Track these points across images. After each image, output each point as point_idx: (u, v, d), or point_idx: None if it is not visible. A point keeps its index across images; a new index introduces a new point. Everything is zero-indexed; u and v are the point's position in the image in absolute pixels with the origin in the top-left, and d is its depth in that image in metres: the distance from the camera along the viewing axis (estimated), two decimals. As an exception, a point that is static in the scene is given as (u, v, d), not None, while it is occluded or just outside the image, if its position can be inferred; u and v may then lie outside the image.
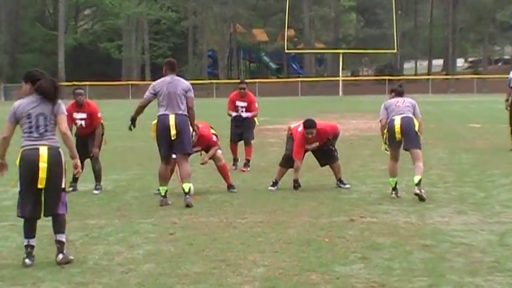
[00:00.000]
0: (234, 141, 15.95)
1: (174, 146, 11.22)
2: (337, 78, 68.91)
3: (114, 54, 75.27)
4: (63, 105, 7.86)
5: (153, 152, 12.42)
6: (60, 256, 7.74)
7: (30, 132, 7.69)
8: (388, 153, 11.98)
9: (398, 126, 11.54)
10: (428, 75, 79.61)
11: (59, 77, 70.90)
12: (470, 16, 79.29)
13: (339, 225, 9.53)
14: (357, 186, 12.78)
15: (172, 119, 11.14)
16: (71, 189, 12.26)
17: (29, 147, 7.67)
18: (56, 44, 75.33)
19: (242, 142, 15.95)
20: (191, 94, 11.44)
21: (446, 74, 77.31)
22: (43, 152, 7.62)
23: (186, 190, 11.12)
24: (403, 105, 11.81)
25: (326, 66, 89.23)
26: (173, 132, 11.08)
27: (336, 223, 9.65)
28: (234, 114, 15.91)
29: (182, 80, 11.60)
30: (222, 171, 12.66)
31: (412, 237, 8.78)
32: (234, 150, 15.93)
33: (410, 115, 11.69)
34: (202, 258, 7.87)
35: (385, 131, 11.82)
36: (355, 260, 7.74)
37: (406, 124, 11.56)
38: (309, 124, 12.44)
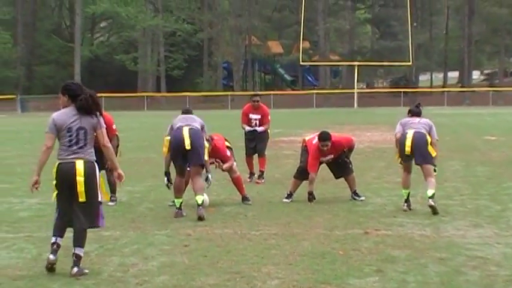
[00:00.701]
0: (249, 155, 15.93)
1: (188, 157, 11.26)
2: (352, 91, 68.87)
3: (129, 66, 75.52)
4: (102, 119, 7.94)
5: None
6: (75, 269, 7.76)
7: (70, 146, 7.78)
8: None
9: (410, 140, 11.50)
10: (444, 87, 79.50)
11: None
12: (485, 28, 79.08)
13: (353, 237, 9.50)
14: (372, 199, 12.75)
15: (186, 131, 11.27)
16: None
17: (66, 160, 7.78)
18: (72, 56, 75.68)
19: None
20: (205, 130, 11.72)
21: (462, 86, 77.11)
22: (79, 166, 7.74)
23: (199, 202, 11.11)
24: (418, 123, 11.80)
25: (341, 78, 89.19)
26: (187, 142, 11.16)
27: (351, 235, 9.63)
28: (247, 128, 15.88)
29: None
30: (237, 183, 12.66)
31: (427, 250, 8.75)
32: (250, 164, 15.91)
33: (424, 131, 11.65)
34: (216, 270, 7.86)
35: (398, 144, 11.81)
36: (370, 273, 7.71)
37: (418, 139, 11.51)
38: (324, 136, 12.43)
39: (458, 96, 70.68)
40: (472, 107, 63.52)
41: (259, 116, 15.82)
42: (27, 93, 73.97)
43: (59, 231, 7.93)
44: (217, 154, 12.40)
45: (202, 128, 11.61)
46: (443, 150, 21.56)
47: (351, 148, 12.98)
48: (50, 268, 7.80)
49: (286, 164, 18.19)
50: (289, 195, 12.74)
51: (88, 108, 7.80)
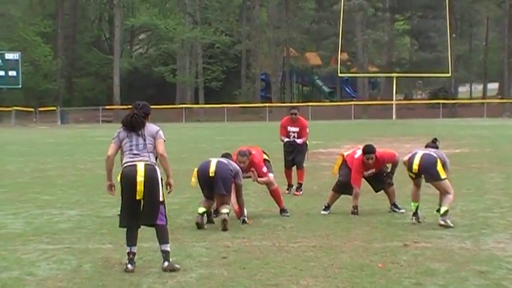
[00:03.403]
0: (287, 167, 15.95)
1: (213, 185, 11.43)
2: (391, 102, 68.59)
3: (168, 78, 75.98)
4: (161, 132, 8.72)
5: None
6: (166, 263, 8.41)
7: (131, 149, 8.52)
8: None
9: (419, 159, 11.46)
10: (484, 99, 78.84)
11: (114, 101, 71.96)
12: (526, 39, 78.33)
13: (392, 250, 9.45)
14: (411, 211, 12.62)
15: (214, 161, 11.53)
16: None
17: (129, 163, 8.45)
18: (111, 68, 76.41)
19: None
20: (240, 177, 11.73)
21: (502, 98, 76.39)
22: (140, 167, 8.38)
23: (225, 211, 11.24)
24: (430, 150, 11.78)
25: (379, 89, 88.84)
26: (212, 169, 11.38)
27: (390, 248, 9.57)
28: (286, 139, 15.91)
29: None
30: (275, 195, 12.65)
31: (467, 263, 8.67)
32: (288, 176, 15.92)
33: (434, 155, 11.56)
34: (255, 282, 7.86)
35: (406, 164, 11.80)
36: (409, 286, 7.66)
37: (426, 159, 11.45)
38: (368, 149, 12.43)
39: (498, 108, 70.01)
40: (512, 118, 62.90)
41: (297, 129, 15.82)
42: (67, 105, 74.73)
43: (130, 241, 8.53)
44: (254, 169, 12.43)
45: (235, 175, 11.58)
46: (483, 162, 21.39)
47: (395, 164, 12.90)
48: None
49: (324, 176, 18.13)
50: (327, 207, 12.71)
51: (125, 123, 8.64)
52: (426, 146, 12.19)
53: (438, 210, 11.44)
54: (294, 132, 15.84)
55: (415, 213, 11.67)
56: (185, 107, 71.45)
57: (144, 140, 8.52)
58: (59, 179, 18.82)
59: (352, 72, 78.23)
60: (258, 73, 77.78)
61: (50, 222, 12.13)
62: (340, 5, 67.59)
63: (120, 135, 8.65)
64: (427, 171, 11.46)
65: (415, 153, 11.66)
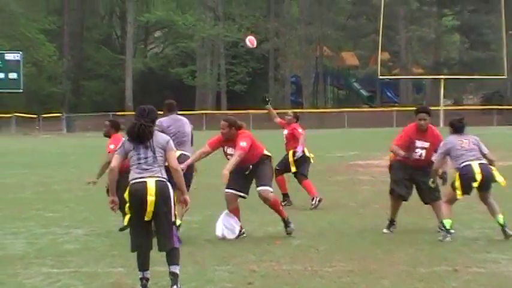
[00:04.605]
0: (277, 174, 15.63)
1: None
2: (438, 108, 68.25)
3: (186, 81, 76.17)
4: (172, 142, 8.62)
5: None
6: None
7: (139, 164, 8.43)
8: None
9: (480, 175, 11.56)
10: (544, 104, 78.27)
11: (126, 106, 72.21)
12: None
13: (440, 275, 9.41)
14: (461, 231, 12.56)
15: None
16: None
17: (137, 180, 8.37)
18: (123, 69, 76.73)
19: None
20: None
21: None
22: (151, 185, 8.30)
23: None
24: (470, 144, 11.89)
25: (425, 93, 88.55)
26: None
27: (437, 273, 9.53)
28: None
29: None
30: (273, 205, 12.41)
31: (526, 291, 8.62)
32: (281, 184, 15.88)
33: (484, 161, 11.74)
34: (284, 311, 7.85)
35: (458, 177, 11.78)
36: (459, 317, 7.62)
37: (486, 172, 11.62)
38: (422, 108, 12.49)
39: (561, 115, 69.49)
40: None
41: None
42: (74, 111, 75.08)
43: (142, 266, 8.56)
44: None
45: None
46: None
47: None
48: None
49: (362, 191, 18.09)
50: (391, 223, 12.65)
51: (131, 133, 8.53)
52: (451, 125, 12.17)
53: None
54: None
55: (449, 230, 11.66)
56: (205, 113, 71.57)
57: (154, 152, 8.44)
58: (65, 194, 18.91)
59: (394, 74, 78.03)
60: (287, 75, 77.82)
61: (54, 242, 12.19)
62: (380, -3, 67.54)
63: (125, 145, 8.59)
64: (485, 185, 11.57)
65: (468, 164, 11.63)
